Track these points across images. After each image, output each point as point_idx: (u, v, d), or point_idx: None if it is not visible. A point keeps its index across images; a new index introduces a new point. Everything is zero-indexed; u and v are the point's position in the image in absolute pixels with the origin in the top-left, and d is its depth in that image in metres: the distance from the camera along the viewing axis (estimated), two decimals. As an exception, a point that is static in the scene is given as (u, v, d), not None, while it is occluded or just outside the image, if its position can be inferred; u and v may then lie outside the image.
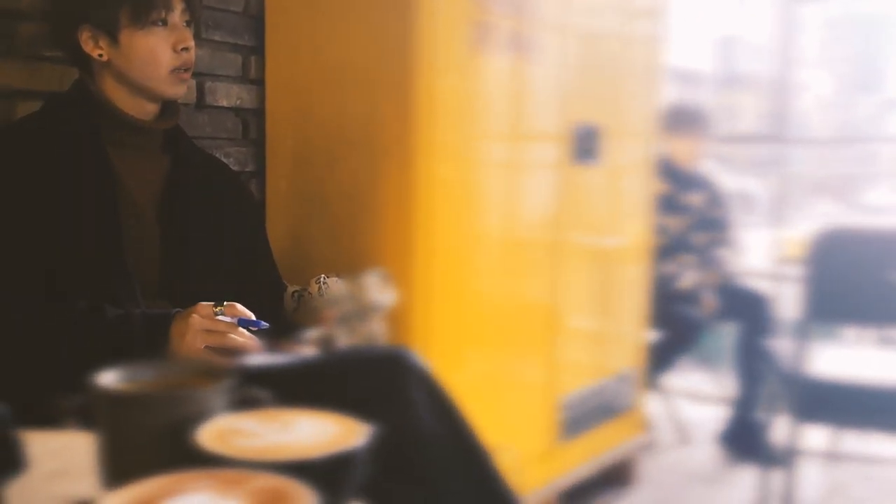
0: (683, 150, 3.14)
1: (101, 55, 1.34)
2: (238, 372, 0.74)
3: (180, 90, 1.40)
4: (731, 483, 2.84)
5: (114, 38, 1.33)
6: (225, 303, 1.20)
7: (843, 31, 6.47)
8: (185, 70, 1.38)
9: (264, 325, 1.21)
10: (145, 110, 1.40)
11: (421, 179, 1.85)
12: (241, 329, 1.20)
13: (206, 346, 1.17)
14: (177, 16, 1.35)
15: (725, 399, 3.19)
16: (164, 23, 1.33)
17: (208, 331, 1.17)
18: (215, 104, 2.02)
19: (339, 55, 1.92)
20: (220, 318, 1.18)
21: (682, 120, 3.14)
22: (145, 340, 1.21)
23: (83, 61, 1.39)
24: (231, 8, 2.02)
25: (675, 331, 2.97)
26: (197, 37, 1.40)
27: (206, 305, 1.19)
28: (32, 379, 1.18)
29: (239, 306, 1.20)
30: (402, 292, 1.61)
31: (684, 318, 2.98)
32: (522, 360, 2.20)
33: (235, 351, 1.18)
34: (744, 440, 2.94)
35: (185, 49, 1.36)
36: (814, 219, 4.47)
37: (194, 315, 1.18)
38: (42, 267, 1.25)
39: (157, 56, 1.34)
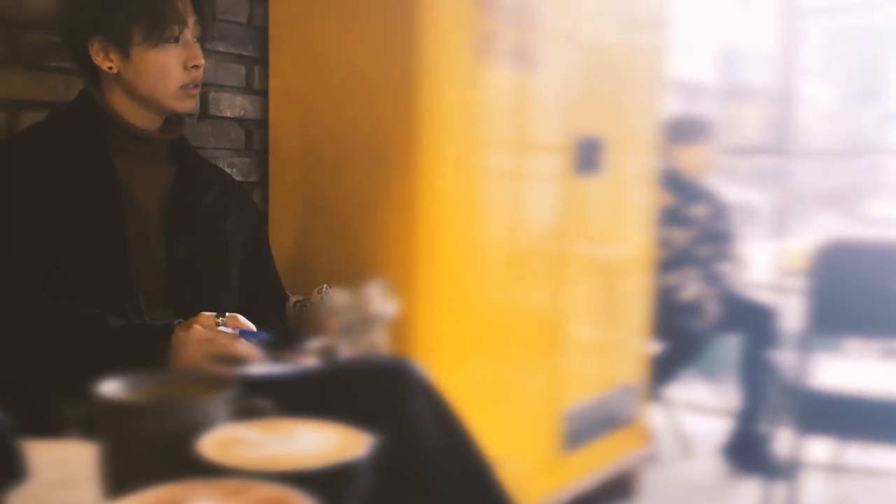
0: (691, 161, 3.14)
1: (110, 68, 1.35)
2: (240, 382, 0.74)
3: (189, 105, 1.40)
4: (734, 495, 2.82)
5: (125, 53, 1.33)
6: (227, 314, 1.21)
7: (846, 43, 6.48)
8: (194, 86, 1.38)
9: (265, 336, 1.21)
10: (151, 121, 1.41)
11: (424, 190, 1.85)
12: (242, 340, 1.20)
13: (208, 356, 1.17)
14: (189, 32, 1.36)
15: (728, 411, 3.18)
16: (177, 40, 1.34)
17: (209, 341, 1.17)
18: (219, 114, 2.03)
19: (343, 66, 1.93)
20: (221, 328, 1.19)
21: (689, 130, 3.14)
22: (146, 350, 1.21)
23: (91, 72, 1.39)
24: (235, 19, 2.03)
25: (678, 342, 2.97)
26: (202, 48, 1.41)
27: (208, 316, 1.19)
28: (34, 386, 1.18)
29: (241, 318, 1.21)
30: (404, 302, 1.61)
31: (687, 330, 2.97)
32: (525, 371, 2.20)
33: (237, 361, 1.19)
34: (747, 452, 2.93)
35: (196, 66, 1.36)
36: (816, 231, 4.46)
37: (196, 326, 1.18)
38: (47, 274, 1.25)
39: (168, 73, 1.34)
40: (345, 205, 1.97)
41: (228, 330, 1.19)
